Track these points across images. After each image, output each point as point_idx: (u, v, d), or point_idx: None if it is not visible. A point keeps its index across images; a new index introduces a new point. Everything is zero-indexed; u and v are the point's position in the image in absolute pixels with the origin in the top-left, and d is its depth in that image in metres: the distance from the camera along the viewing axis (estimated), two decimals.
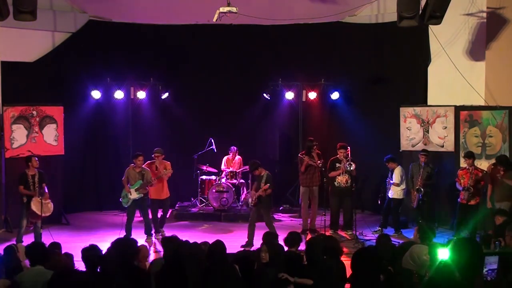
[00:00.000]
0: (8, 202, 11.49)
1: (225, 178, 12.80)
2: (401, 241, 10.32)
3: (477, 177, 10.34)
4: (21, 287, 5.45)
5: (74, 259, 6.64)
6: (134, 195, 10.72)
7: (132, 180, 10.77)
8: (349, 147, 11.11)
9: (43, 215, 9.94)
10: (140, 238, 10.76)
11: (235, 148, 13.10)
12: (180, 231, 11.18)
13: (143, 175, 10.77)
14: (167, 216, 11.92)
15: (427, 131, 12.14)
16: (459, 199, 10.52)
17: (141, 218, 11.10)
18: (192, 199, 13.31)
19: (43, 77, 12.73)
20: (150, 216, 11.07)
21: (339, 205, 11.23)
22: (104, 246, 5.95)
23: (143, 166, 10.89)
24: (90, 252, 5.59)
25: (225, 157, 13.19)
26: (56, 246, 7.01)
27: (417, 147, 12.07)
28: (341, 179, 11.06)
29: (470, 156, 10.53)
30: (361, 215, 11.86)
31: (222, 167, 13.15)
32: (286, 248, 6.60)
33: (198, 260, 5.50)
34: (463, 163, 11.05)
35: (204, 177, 13.15)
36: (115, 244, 5.76)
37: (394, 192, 11.17)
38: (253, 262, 5.81)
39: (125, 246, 5.81)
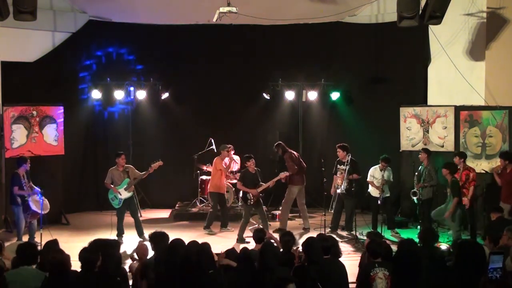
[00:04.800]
0: (8, 202, 11.47)
1: (225, 178, 12.78)
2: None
3: (467, 176, 10.39)
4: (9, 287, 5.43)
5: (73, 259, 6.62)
6: (124, 194, 10.65)
7: (118, 180, 10.64)
8: (348, 153, 11.08)
9: (43, 212, 9.94)
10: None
11: (231, 146, 13.09)
12: (180, 231, 11.20)
13: (128, 173, 10.71)
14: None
15: (427, 131, 12.14)
16: None
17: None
18: (192, 199, 13.30)
19: (43, 77, 12.72)
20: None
21: (340, 207, 11.26)
22: None
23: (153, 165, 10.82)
24: (88, 254, 5.56)
25: None
26: (51, 243, 6.83)
27: (417, 147, 12.08)
28: (339, 182, 11.09)
29: (457, 154, 10.71)
30: (361, 215, 11.85)
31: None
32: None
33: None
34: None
35: (204, 177, 13.13)
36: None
37: (387, 191, 11.18)
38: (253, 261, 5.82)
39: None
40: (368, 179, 11.30)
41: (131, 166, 10.92)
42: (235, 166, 13.06)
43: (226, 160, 11.96)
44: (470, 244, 4.96)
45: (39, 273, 5.61)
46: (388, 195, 11.17)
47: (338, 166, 11.21)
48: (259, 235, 7.05)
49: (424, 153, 11.03)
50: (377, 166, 11.19)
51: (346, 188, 10.94)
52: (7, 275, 5.52)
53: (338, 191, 11.05)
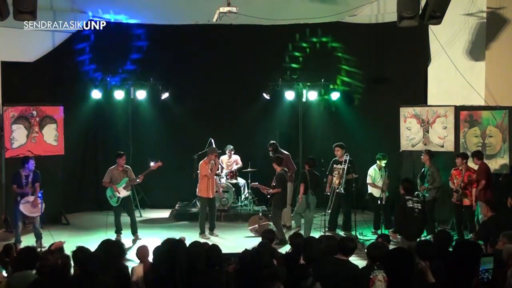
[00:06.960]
0: (8, 202, 11.48)
1: (225, 178, 12.80)
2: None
3: (469, 178, 10.36)
4: None
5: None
6: (123, 193, 10.77)
7: (117, 180, 10.76)
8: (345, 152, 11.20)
9: (31, 215, 10.02)
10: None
11: (231, 146, 13.11)
12: (180, 231, 11.21)
13: (127, 172, 10.84)
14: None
15: (427, 131, 12.14)
16: (453, 199, 10.60)
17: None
18: (192, 199, 13.30)
19: (43, 77, 12.73)
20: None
21: (337, 206, 11.24)
22: None
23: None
24: (79, 254, 5.52)
25: (221, 158, 13.18)
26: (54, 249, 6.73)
27: (417, 147, 12.08)
28: (335, 181, 11.11)
29: (459, 155, 10.65)
30: (361, 215, 11.84)
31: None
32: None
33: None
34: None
35: None
36: (103, 244, 5.79)
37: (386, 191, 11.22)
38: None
39: (111, 246, 5.83)
40: (368, 180, 11.32)
41: (130, 167, 11.01)
42: (233, 166, 13.09)
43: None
44: (467, 245, 4.95)
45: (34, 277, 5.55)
46: (387, 194, 11.19)
47: (335, 165, 11.22)
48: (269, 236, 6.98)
49: (426, 155, 11.00)
50: (374, 166, 11.26)
51: (344, 187, 10.94)
52: (10, 279, 5.51)
53: (337, 190, 11.03)
